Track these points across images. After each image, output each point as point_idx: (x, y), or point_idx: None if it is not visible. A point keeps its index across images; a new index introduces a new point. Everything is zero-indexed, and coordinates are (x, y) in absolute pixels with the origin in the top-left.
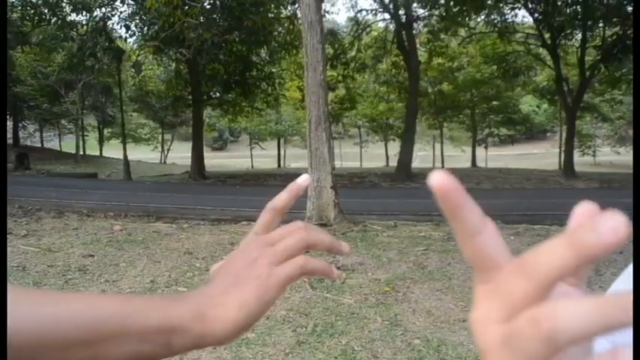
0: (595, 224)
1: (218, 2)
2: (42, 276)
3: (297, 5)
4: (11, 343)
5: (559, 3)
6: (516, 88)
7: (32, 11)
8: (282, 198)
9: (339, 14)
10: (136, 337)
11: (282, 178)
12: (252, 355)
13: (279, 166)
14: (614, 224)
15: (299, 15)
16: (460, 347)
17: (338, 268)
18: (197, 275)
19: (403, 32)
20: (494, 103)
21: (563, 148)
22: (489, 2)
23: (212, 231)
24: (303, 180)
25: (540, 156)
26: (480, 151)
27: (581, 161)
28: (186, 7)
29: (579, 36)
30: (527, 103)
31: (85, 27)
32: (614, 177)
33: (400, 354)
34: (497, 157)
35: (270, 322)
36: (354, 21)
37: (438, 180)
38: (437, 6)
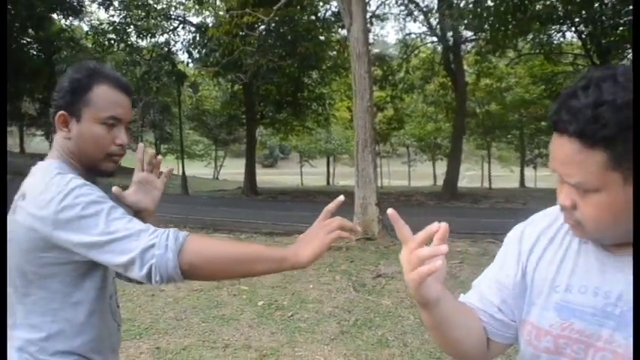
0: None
1: (273, 31)
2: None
3: (346, 30)
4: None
5: (605, 25)
6: None
7: (102, 38)
8: (330, 206)
9: (388, 36)
10: (268, 261)
11: (331, 195)
12: (303, 339)
13: (328, 183)
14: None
15: (348, 39)
16: None
17: (379, 276)
18: (257, 277)
19: (450, 54)
20: (543, 123)
21: None
22: (536, 25)
23: (266, 241)
24: (339, 199)
25: None
26: (530, 171)
27: None
28: (244, 35)
29: (630, 56)
30: None
31: (150, 52)
32: None
33: (427, 344)
34: (548, 177)
35: (319, 316)
36: (403, 43)
37: (390, 211)
38: (483, 29)
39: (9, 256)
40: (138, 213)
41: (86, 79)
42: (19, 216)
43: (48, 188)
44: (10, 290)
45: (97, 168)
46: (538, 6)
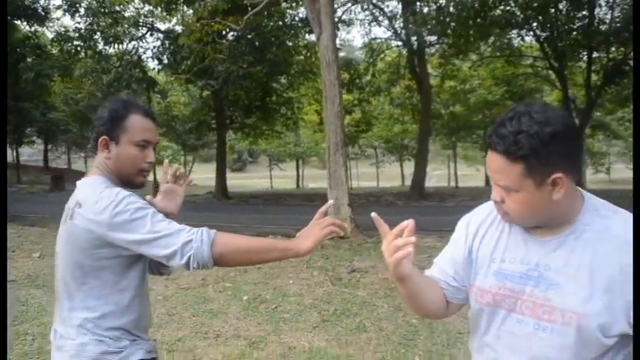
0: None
1: (242, 39)
2: None
3: (313, 35)
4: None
5: (560, 30)
6: None
7: (68, 45)
8: (323, 209)
9: (354, 40)
10: (277, 251)
11: (302, 197)
12: (288, 328)
13: (297, 186)
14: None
15: (318, 47)
16: (449, 324)
17: (354, 270)
18: (238, 275)
19: (415, 58)
20: None
21: None
22: (496, 30)
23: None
24: (329, 204)
25: None
26: None
27: (595, 179)
28: (214, 43)
29: (585, 58)
30: None
31: (119, 59)
32: (627, 194)
33: (401, 329)
34: None
35: (300, 307)
36: (369, 48)
37: (374, 214)
38: (445, 34)
39: (66, 254)
40: (165, 216)
41: (123, 110)
42: (77, 221)
43: (101, 198)
44: (68, 281)
45: (131, 181)
46: (498, 12)
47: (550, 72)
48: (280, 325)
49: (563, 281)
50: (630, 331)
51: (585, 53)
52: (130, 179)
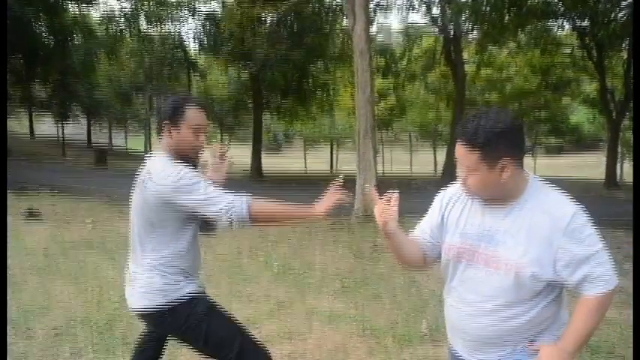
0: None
1: (281, 23)
2: None
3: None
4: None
5: (599, 21)
6: (564, 98)
7: (113, 25)
8: (335, 184)
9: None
10: (299, 214)
11: (334, 180)
12: (312, 293)
13: (331, 168)
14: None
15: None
16: None
17: (376, 247)
18: (271, 246)
19: (451, 45)
20: (542, 112)
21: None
22: (533, 19)
23: None
24: (339, 180)
25: (593, 166)
26: (530, 160)
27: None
28: (254, 27)
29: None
30: (582, 112)
31: (162, 41)
32: None
33: (412, 298)
34: (549, 165)
35: (324, 276)
36: (406, 33)
37: (369, 186)
38: (481, 23)
39: (139, 213)
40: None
41: (181, 103)
42: (148, 186)
43: (167, 170)
44: (140, 232)
45: (188, 157)
46: (534, 1)
47: (589, 62)
48: (305, 291)
49: (507, 240)
50: (555, 279)
51: (626, 44)
52: (187, 156)
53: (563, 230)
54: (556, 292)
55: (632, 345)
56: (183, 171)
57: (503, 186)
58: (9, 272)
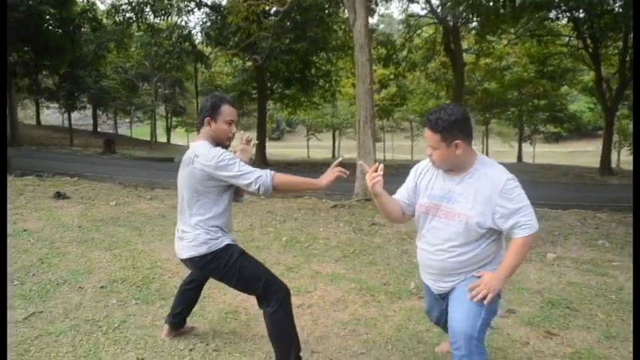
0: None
1: (286, 17)
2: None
3: (351, 24)
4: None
5: (596, 11)
6: (562, 87)
7: (120, 16)
8: (336, 162)
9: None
10: (309, 184)
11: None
12: (317, 260)
13: (333, 156)
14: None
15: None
16: None
17: (374, 224)
18: (279, 223)
19: (450, 35)
20: (540, 101)
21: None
22: (529, 11)
23: (283, 201)
24: (339, 160)
25: (592, 153)
26: (530, 148)
27: (630, 160)
28: (260, 21)
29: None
30: (583, 100)
31: (170, 33)
32: None
33: (404, 264)
34: (548, 153)
35: (327, 247)
36: (406, 24)
37: (361, 162)
38: (478, 14)
39: (187, 184)
40: None
41: (219, 101)
42: (196, 165)
43: (210, 152)
44: (189, 199)
45: (222, 143)
46: None
47: (585, 52)
48: (311, 258)
49: (460, 199)
50: (493, 226)
51: (621, 35)
52: (221, 142)
53: (499, 192)
54: (495, 236)
55: (588, 301)
56: (223, 153)
57: (457, 160)
58: (52, 244)
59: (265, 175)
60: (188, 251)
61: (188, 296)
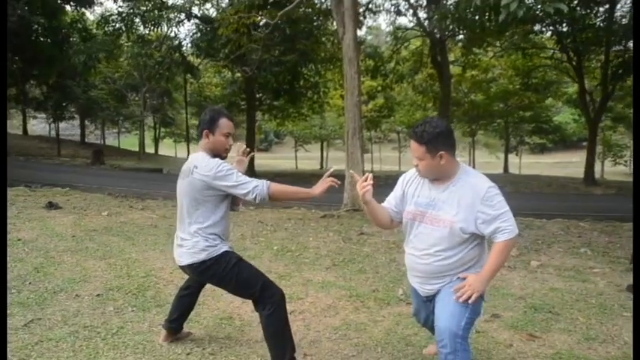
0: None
1: (276, 30)
2: (169, 231)
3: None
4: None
5: (579, 26)
6: (546, 99)
7: (110, 27)
8: (328, 173)
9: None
10: (303, 194)
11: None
12: (307, 268)
13: (321, 167)
14: (361, 188)
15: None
16: None
17: (362, 233)
18: (270, 232)
19: (437, 47)
20: (526, 113)
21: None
22: (513, 25)
23: (273, 211)
24: (332, 169)
25: (577, 164)
26: (516, 159)
27: (614, 170)
28: (250, 33)
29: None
30: (567, 112)
31: (160, 45)
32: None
33: (392, 272)
34: (534, 164)
35: (317, 256)
36: (394, 36)
37: (351, 172)
38: (464, 28)
39: (186, 194)
40: None
41: (217, 115)
42: (195, 175)
43: (209, 163)
44: (188, 207)
45: (220, 155)
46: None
47: (569, 65)
48: (301, 267)
49: (445, 207)
50: (476, 231)
51: (603, 48)
52: (219, 153)
53: (481, 199)
54: (478, 241)
55: (569, 306)
56: (221, 164)
57: (442, 170)
58: (47, 254)
59: (262, 185)
60: (188, 258)
61: (185, 302)
